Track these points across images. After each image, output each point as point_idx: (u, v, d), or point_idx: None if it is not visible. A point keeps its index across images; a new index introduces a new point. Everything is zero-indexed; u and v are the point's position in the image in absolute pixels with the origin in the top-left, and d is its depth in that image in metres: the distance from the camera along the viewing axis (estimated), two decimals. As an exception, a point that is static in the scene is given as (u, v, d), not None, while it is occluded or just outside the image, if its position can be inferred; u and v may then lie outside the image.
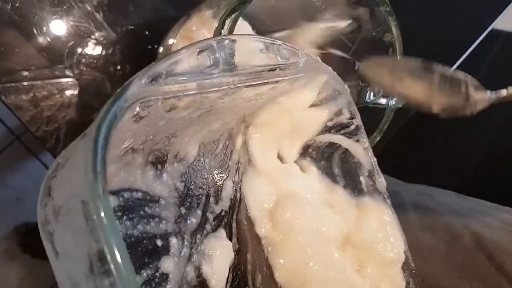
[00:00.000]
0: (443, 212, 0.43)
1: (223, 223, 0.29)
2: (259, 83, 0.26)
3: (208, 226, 0.28)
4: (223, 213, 0.30)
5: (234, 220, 0.30)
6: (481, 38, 0.51)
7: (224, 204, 0.30)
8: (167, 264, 0.24)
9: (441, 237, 0.40)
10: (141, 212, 0.24)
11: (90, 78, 0.42)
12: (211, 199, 0.29)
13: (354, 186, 0.35)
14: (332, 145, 0.36)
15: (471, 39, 0.52)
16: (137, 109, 0.18)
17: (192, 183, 0.28)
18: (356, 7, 0.35)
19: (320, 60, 0.32)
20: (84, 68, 0.42)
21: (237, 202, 0.31)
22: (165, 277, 0.24)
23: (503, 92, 0.32)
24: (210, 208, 0.29)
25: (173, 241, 0.25)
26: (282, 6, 0.37)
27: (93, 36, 0.42)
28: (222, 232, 0.29)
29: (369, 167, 0.35)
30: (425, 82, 0.34)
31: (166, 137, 0.25)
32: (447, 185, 0.47)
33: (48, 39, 0.40)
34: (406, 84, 0.35)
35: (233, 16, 0.33)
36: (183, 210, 0.26)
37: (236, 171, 0.32)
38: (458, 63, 0.53)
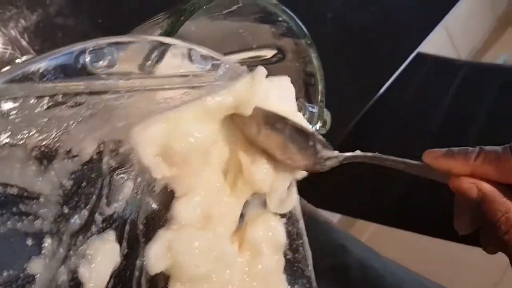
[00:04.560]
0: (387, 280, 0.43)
1: (114, 225, 0.28)
2: (164, 88, 0.25)
3: (94, 228, 0.27)
4: (115, 215, 0.28)
5: (128, 223, 0.29)
6: (407, 61, 0.53)
7: (119, 206, 0.29)
8: (35, 265, 0.23)
9: None
10: (14, 209, 0.22)
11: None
12: (103, 200, 0.28)
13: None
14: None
15: (398, 63, 0.53)
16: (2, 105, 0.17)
17: (84, 181, 0.27)
18: (281, 38, 0.35)
19: (245, 69, 0.32)
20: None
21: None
22: (30, 278, 0.22)
23: (349, 154, 0.32)
24: (99, 209, 0.27)
25: (48, 241, 0.24)
26: (211, 35, 0.37)
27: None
28: (110, 235, 0.28)
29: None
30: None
31: (56, 133, 0.24)
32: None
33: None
34: (263, 136, 0.31)
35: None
36: (66, 210, 0.25)
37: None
38: (385, 86, 0.55)
